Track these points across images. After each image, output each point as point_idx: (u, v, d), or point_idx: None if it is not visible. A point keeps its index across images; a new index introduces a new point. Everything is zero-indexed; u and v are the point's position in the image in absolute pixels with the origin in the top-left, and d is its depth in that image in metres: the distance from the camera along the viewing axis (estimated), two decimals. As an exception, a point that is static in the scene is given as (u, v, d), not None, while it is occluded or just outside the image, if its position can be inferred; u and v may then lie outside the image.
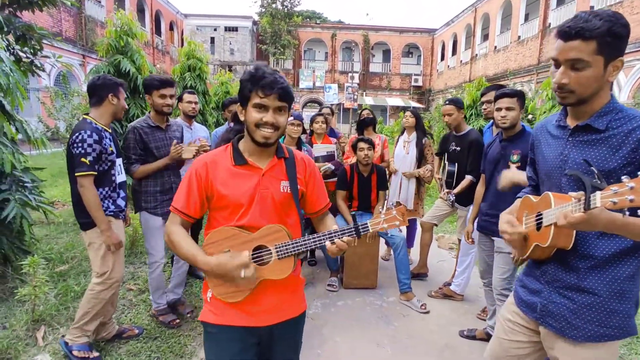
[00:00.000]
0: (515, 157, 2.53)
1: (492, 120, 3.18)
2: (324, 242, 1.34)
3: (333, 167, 3.88)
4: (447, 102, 3.54)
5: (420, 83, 27.93)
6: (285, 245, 1.33)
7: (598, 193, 1.00)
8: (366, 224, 1.35)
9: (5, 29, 4.49)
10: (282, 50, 26.76)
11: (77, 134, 2.27)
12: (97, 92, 2.42)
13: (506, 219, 1.41)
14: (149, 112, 2.94)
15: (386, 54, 29.21)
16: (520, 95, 2.53)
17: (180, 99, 3.51)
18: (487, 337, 2.88)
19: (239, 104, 1.39)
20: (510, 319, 1.51)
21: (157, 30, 23.10)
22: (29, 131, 3.42)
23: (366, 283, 3.74)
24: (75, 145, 2.25)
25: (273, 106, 1.30)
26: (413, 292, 3.48)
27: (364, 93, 27.51)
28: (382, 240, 3.89)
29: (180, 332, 2.81)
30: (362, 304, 3.46)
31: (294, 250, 1.34)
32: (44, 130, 7.80)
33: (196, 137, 3.15)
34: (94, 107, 2.44)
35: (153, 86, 2.79)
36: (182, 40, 24.82)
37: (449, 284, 3.65)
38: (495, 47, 19.82)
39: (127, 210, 2.72)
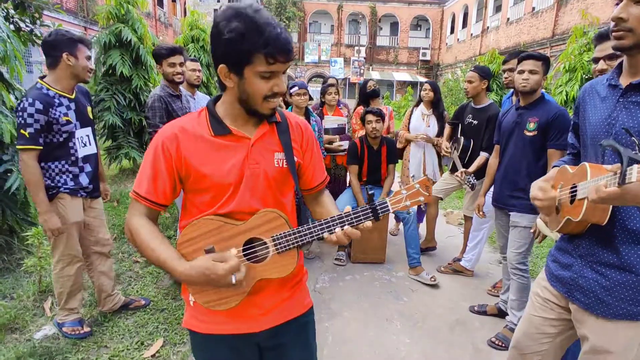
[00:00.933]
0: (532, 125, 2.39)
1: (512, 90, 3.02)
2: (335, 229, 1.03)
3: (346, 147, 3.76)
4: (472, 69, 3.36)
5: (428, 57, 27.21)
6: (286, 236, 1.04)
7: (635, 167, 0.90)
8: (385, 203, 1.05)
9: (3, -5, 4.32)
10: (287, 22, 26.02)
11: (19, 102, 2.05)
12: (50, 51, 2.11)
13: (538, 186, 1.32)
14: (165, 82, 2.87)
15: (394, 26, 28.35)
16: (546, 60, 2.36)
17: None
18: (498, 313, 2.83)
19: (223, 65, 1.00)
20: (540, 295, 1.44)
21: (160, 2, 22.50)
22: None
23: (374, 257, 3.69)
24: (17, 114, 2.03)
25: (281, 70, 1.01)
26: (422, 267, 3.43)
27: (371, 67, 26.91)
28: (390, 215, 3.81)
29: (188, 304, 2.79)
30: (371, 278, 3.42)
31: (297, 242, 1.04)
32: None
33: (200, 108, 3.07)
34: (49, 69, 2.16)
35: (161, 55, 2.77)
36: (185, 11, 24.22)
37: (459, 260, 3.59)
38: (508, 19, 19.11)
39: (104, 185, 2.58)
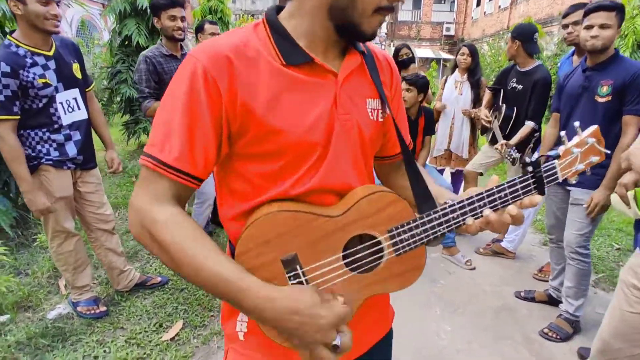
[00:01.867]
0: (604, 90, 2.02)
1: (573, 50, 2.63)
2: (483, 211, 0.70)
3: None
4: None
5: (452, 32, 26.04)
6: (409, 229, 0.69)
7: None
8: (553, 167, 0.72)
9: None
10: (305, -3, 25.31)
11: None
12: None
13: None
14: (161, 40, 2.59)
15: (417, 0, 27.16)
16: (620, 10, 1.97)
17: (201, 29, 3.11)
18: (547, 300, 2.55)
19: None
20: (637, 285, 1.15)
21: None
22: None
23: (406, 238, 3.43)
24: None
25: None
26: (457, 247, 3.15)
27: (392, 43, 25.98)
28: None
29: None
30: (402, 259, 3.17)
31: (428, 237, 0.70)
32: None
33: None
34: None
35: (160, 6, 2.41)
36: (202, -13, 23.80)
37: (499, 241, 3.29)
38: (541, -12, 17.93)
39: (111, 153, 2.27)
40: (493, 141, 3.18)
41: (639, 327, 1.17)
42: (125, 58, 5.51)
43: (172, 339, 2.06)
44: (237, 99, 0.64)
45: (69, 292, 2.34)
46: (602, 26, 1.96)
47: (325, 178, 0.69)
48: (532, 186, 0.71)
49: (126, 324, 2.16)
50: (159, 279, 2.54)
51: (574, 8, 2.50)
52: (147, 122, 5.59)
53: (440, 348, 2.15)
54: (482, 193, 0.70)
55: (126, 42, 5.48)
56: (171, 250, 0.61)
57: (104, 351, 1.94)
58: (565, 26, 2.54)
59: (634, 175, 1.16)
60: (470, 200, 0.70)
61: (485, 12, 23.81)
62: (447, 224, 0.70)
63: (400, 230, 0.69)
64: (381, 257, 0.71)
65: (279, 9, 0.73)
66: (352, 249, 0.69)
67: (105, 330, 2.10)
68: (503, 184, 0.70)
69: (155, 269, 2.76)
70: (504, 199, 0.70)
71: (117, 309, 2.28)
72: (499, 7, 21.89)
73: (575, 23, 2.45)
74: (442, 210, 0.70)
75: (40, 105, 1.86)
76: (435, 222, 0.70)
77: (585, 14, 2.05)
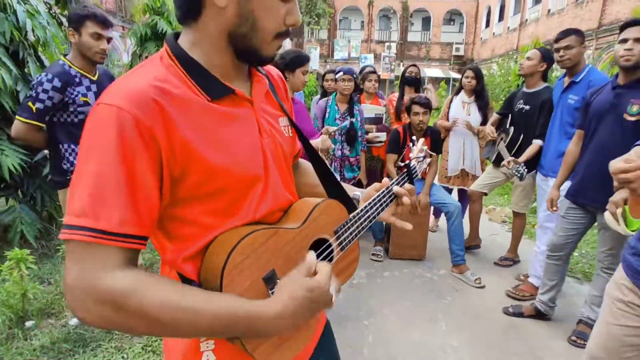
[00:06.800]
0: (635, 108, 1.99)
1: (566, 71, 2.72)
2: (388, 201, 0.92)
3: (384, 138, 3.56)
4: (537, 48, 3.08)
5: (461, 52, 26.34)
6: (348, 227, 0.82)
7: None
8: (414, 167, 1.06)
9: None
10: (316, 19, 25.92)
11: (38, 75, 2.00)
12: (68, 26, 2.04)
13: (621, 158, 1.09)
14: None
15: (426, 21, 27.65)
16: None
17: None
18: (535, 313, 2.58)
19: None
20: (621, 299, 1.22)
21: None
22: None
23: (413, 254, 3.49)
24: (32, 86, 1.97)
25: None
26: (467, 265, 3.19)
27: (401, 63, 26.34)
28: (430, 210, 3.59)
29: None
30: (410, 275, 3.22)
31: (360, 231, 0.85)
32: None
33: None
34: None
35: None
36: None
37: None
38: (549, 10, 18.14)
39: None
40: (497, 162, 3.25)
41: (624, 340, 1.21)
42: (145, 78, 5.77)
43: (186, 347, 2.14)
44: (176, 143, 0.60)
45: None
46: (638, 40, 1.94)
47: (273, 202, 0.73)
48: (406, 178, 1.02)
49: (143, 332, 2.25)
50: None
51: (564, 34, 2.60)
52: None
53: (447, 362, 2.19)
54: (384, 190, 0.91)
55: (146, 64, 5.76)
56: (158, 314, 0.55)
57: (122, 357, 2.03)
58: (557, 50, 2.63)
59: (623, 193, 1.23)
60: (380, 195, 0.90)
61: (494, 33, 24.11)
62: (371, 218, 0.87)
63: (343, 229, 0.81)
64: (332, 256, 0.81)
65: (176, 35, 0.71)
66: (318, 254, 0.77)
67: (123, 338, 2.19)
68: (394, 181, 0.97)
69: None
70: (393, 193, 0.93)
71: (134, 317, 2.38)
72: (508, 28, 22.18)
73: (568, 47, 2.55)
74: (364, 208, 0.86)
75: (76, 120, 2.08)
76: (363, 218, 0.85)
77: (622, 29, 2.04)
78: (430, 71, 25.78)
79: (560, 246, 2.41)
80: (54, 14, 4.46)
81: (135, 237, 0.58)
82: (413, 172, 1.05)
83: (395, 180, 0.98)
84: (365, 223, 0.86)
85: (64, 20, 4.75)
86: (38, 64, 3.08)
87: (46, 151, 2.55)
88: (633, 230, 1.27)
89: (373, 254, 3.49)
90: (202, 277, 0.66)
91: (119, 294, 0.55)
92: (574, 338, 2.34)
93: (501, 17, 23.43)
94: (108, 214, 0.55)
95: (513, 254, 3.47)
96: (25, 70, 3.06)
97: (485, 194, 3.54)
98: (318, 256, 0.75)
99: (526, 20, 20.32)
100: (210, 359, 0.71)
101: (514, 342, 2.38)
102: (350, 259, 0.86)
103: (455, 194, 3.94)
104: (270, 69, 0.89)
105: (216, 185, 0.65)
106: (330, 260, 0.80)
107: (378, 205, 0.89)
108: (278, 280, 0.67)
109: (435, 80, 25.31)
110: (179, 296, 0.57)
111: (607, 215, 1.60)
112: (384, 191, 0.91)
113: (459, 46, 26.45)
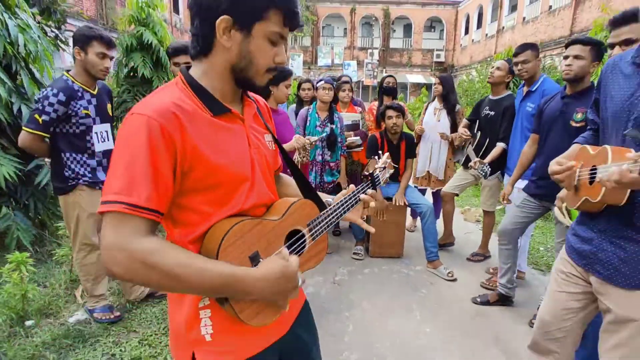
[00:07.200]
0: (579, 116, 2.26)
1: (523, 82, 3.02)
2: (354, 203, 1.12)
3: (360, 142, 3.80)
4: (505, 59, 3.37)
5: (442, 59, 27.02)
6: (319, 222, 1.02)
7: None
8: (378, 176, 1.26)
9: (31, 2, 4.52)
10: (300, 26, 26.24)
11: (44, 90, 2.14)
12: (73, 45, 2.19)
13: (555, 161, 1.34)
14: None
15: (407, 28, 28.28)
16: (595, 45, 2.22)
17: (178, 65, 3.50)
18: (500, 299, 2.84)
19: (226, 17, 0.82)
20: (563, 270, 1.46)
21: (175, 9, 22.98)
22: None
23: (392, 252, 3.72)
24: (38, 99, 2.11)
25: (287, 38, 0.92)
26: (440, 261, 3.44)
27: (384, 70, 26.85)
28: (407, 211, 3.82)
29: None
30: (389, 272, 3.45)
31: (328, 225, 1.05)
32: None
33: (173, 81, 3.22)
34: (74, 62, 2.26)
35: (169, 54, 2.83)
36: (200, 17, 24.61)
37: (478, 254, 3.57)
38: (524, 18, 18.87)
39: None
40: (466, 164, 3.53)
41: (566, 304, 1.44)
42: (131, 88, 5.87)
43: (179, 340, 2.31)
44: (187, 146, 0.80)
45: (85, 301, 2.59)
46: (577, 57, 2.21)
47: (257, 198, 0.93)
48: (371, 185, 1.20)
49: (138, 328, 2.41)
50: (166, 290, 2.80)
51: (522, 48, 2.89)
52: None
53: (420, 347, 2.41)
54: (352, 194, 1.13)
55: (132, 74, 5.87)
56: (174, 269, 0.73)
57: (120, 350, 2.18)
58: (516, 64, 2.92)
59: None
60: (346, 199, 1.11)
61: (473, 40, 24.81)
62: (338, 215, 1.08)
63: (315, 223, 1.01)
64: (305, 244, 0.99)
65: (188, 67, 0.92)
66: (289, 241, 0.96)
67: (120, 333, 2.34)
68: (359, 188, 1.16)
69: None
70: (358, 195, 1.14)
71: (129, 315, 2.53)
72: (486, 35, 22.89)
73: (524, 62, 2.84)
74: (333, 207, 1.07)
75: (78, 131, 2.23)
76: (332, 215, 1.06)
77: (566, 46, 2.30)
78: (412, 77, 26.35)
79: (508, 231, 2.68)
80: (40, 27, 4.59)
81: (155, 212, 0.77)
82: (376, 180, 1.24)
83: (361, 187, 1.17)
84: (334, 219, 1.07)
85: (47, 30, 4.87)
86: (30, 76, 3.21)
87: (48, 160, 2.71)
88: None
89: (354, 253, 3.70)
90: (203, 254, 0.85)
91: (147, 252, 0.73)
92: (534, 321, 2.59)
93: (479, 25, 24.18)
94: (138, 192, 0.74)
95: (484, 249, 3.74)
96: (18, 82, 3.20)
97: (457, 195, 3.81)
98: (293, 242, 0.96)
99: (503, 27, 21.04)
100: (207, 324, 0.89)
101: (481, 327, 2.62)
102: (320, 247, 1.06)
103: (429, 196, 4.20)
104: (258, 97, 1.09)
105: (214, 180, 0.85)
106: (304, 247, 1.00)
107: (344, 205, 1.10)
108: (261, 260, 0.86)
109: (418, 86, 25.90)
110: (191, 258, 0.77)
111: (556, 210, 1.86)
112: (350, 195, 1.12)
113: (440, 52, 27.11)
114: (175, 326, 0.93)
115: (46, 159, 2.63)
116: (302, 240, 0.99)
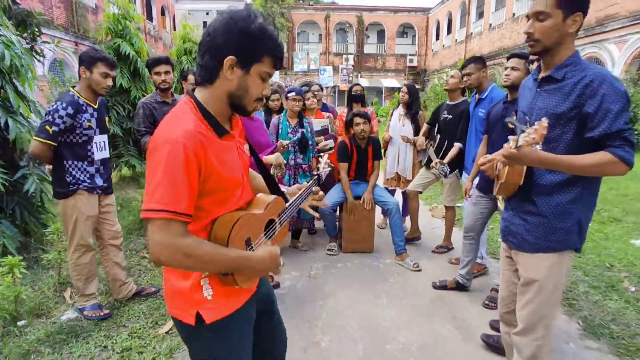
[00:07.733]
0: (514, 118, 2.67)
1: (475, 91, 3.39)
2: (305, 197, 1.48)
3: (332, 144, 4.09)
4: (458, 68, 3.73)
5: (415, 63, 27.86)
6: (285, 212, 1.36)
7: (522, 135, 1.31)
8: (320, 175, 1.67)
9: (6, 15, 4.61)
10: (275, 33, 26.49)
11: (53, 104, 2.38)
12: (79, 65, 2.48)
13: (484, 156, 1.70)
14: (156, 90, 3.20)
15: (381, 34, 29.02)
16: (528, 59, 2.61)
17: (185, 79, 3.70)
18: (456, 286, 3.18)
19: (232, 57, 1.05)
20: (503, 252, 1.80)
21: (149, 16, 22.83)
22: (41, 111, 3.61)
23: (364, 247, 4.01)
24: (48, 112, 2.34)
25: (272, 76, 1.18)
26: (407, 253, 3.75)
27: (359, 75, 27.45)
28: (378, 210, 4.13)
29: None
30: (360, 265, 3.74)
31: (291, 214, 1.39)
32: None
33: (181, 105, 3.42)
34: (79, 80, 2.53)
35: (148, 65, 3.12)
36: (175, 25, 24.57)
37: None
38: (490, 24, 19.77)
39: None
40: (428, 164, 3.87)
41: (511, 278, 1.76)
42: (109, 98, 5.99)
43: (167, 332, 2.51)
44: (207, 163, 1.04)
45: (74, 302, 2.76)
46: (513, 68, 2.62)
47: (246, 197, 1.24)
48: (317, 182, 1.60)
49: (127, 323, 2.60)
50: (153, 288, 3.00)
51: (467, 62, 3.28)
52: (128, 155, 6.04)
53: (385, 328, 2.70)
54: (306, 189, 1.48)
55: (110, 84, 5.99)
56: (204, 257, 1.02)
57: (112, 342, 2.37)
58: (464, 75, 3.30)
59: None
60: (301, 193, 1.45)
61: (443, 45, 25.67)
62: (296, 206, 1.42)
63: (283, 213, 1.35)
64: (275, 229, 1.32)
65: (193, 89, 1.16)
66: (267, 228, 1.28)
67: (110, 328, 2.53)
68: (310, 184, 1.52)
69: (147, 281, 3.20)
70: (310, 189, 1.51)
71: (118, 312, 2.72)
72: (456, 40, 23.77)
73: (469, 74, 3.21)
74: (293, 201, 1.41)
75: (80, 140, 2.47)
76: (293, 206, 1.40)
77: (507, 59, 2.70)
78: (387, 82, 27.03)
79: (471, 227, 3.02)
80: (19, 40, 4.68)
81: (189, 215, 1.03)
82: (320, 177, 1.65)
83: (311, 183, 1.54)
84: (294, 209, 1.42)
85: (23, 42, 4.94)
86: (14, 90, 3.35)
87: (49, 166, 2.92)
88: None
89: (328, 249, 3.98)
90: (212, 240, 1.13)
91: (186, 246, 1.00)
92: (486, 302, 2.94)
93: (449, 31, 25.09)
94: (179, 202, 0.99)
95: (447, 242, 4.08)
96: (3, 96, 3.33)
97: (420, 192, 4.14)
98: (269, 229, 1.29)
99: (471, 33, 21.94)
100: (208, 289, 1.16)
101: (440, 309, 2.94)
102: (285, 230, 1.41)
103: (399, 195, 4.53)
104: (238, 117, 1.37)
105: (221, 187, 1.12)
106: (274, 231, 1.32)
107: (300, 199, 1.46)
108: (252, 244, 1.19)
109: (392, 90, 26.56)
110: (215, 249, 1.06)
111: (499, 200, 2.21)
112: (303, 190, 1.48)
113: (413, 57, 27.94)
114: (180, 291, 1.16)
115: (48, 166, 2.81)
116: (274, 226, 1.32)
